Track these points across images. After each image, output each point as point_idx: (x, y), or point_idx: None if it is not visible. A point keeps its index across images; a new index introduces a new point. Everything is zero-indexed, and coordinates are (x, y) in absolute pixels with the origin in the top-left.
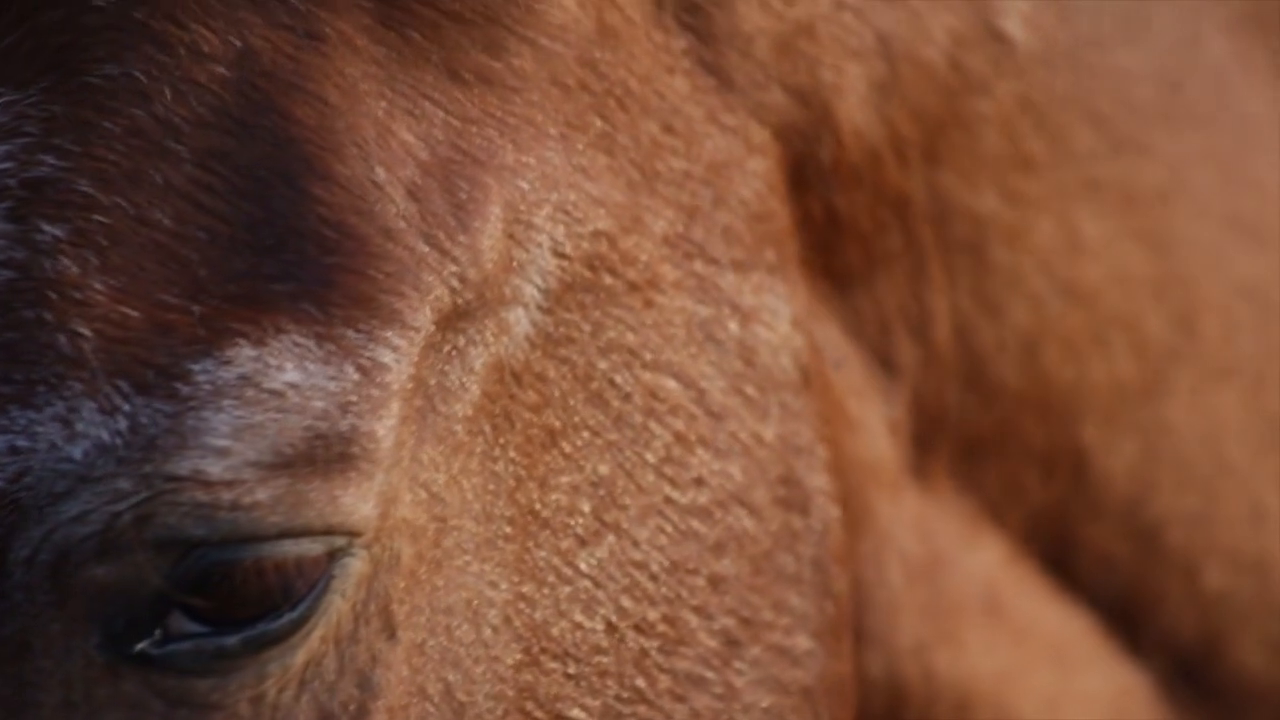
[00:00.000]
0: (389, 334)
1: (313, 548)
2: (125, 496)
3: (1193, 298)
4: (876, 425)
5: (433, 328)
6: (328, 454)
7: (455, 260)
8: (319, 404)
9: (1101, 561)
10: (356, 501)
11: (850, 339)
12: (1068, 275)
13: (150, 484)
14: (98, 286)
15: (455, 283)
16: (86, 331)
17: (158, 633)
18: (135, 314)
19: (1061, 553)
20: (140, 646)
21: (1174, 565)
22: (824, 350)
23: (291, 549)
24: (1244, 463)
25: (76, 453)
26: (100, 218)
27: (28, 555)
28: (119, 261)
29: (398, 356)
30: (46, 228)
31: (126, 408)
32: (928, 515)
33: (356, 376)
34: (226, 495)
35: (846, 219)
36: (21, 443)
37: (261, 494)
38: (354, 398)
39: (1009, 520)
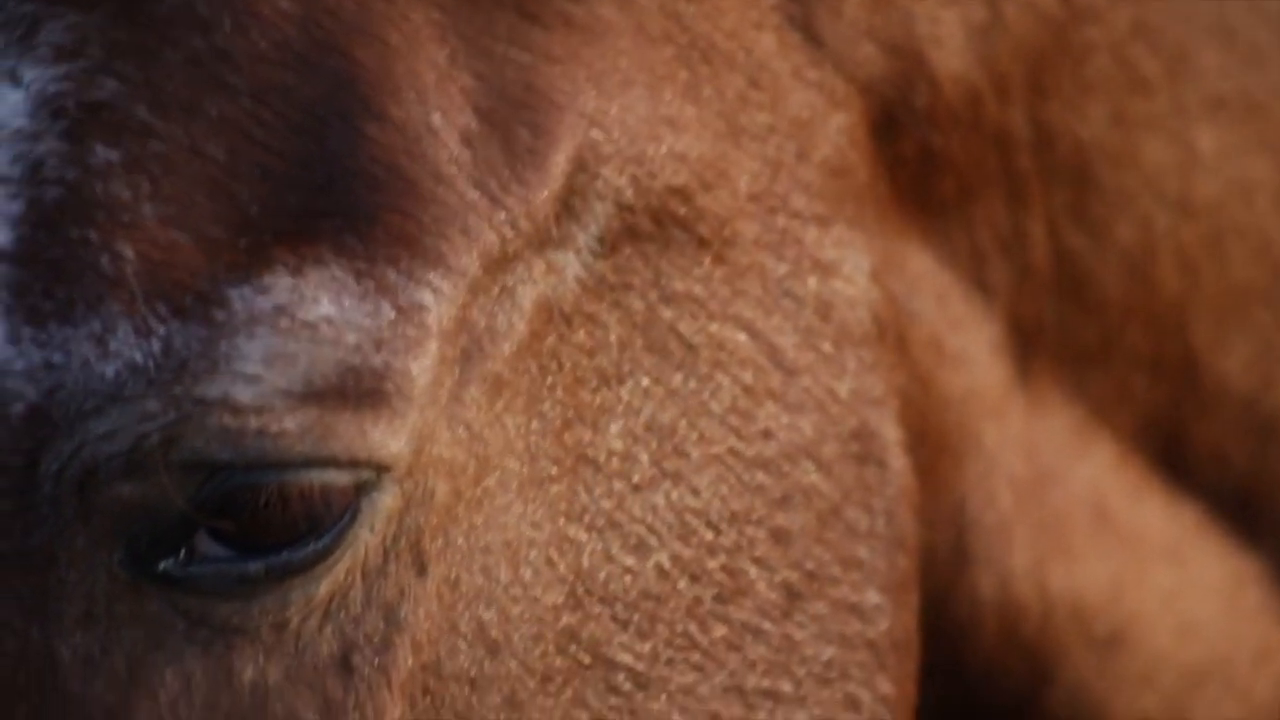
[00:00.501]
0: (431, 276)
1: (339, 479)
2: (153, 417)
3: None
4: (978, 352)
5: (479, 271)
6: (358, 388)
7: (507, 208)
8: (352, 338)
9: (1216, 456)
10: (386, 437)
11: (946, 269)
12: (1180, 191)
13: (179, 406)
14: (146, 212)
15: (506, 230)
16: (130, 254)
17: (182, 553)
18: (181, 241)
19: (1173, 450)
20: (164, 566)
21: None
22: (902, 299)
23: (317, 477)
24: None
25: (109, 371)
26: (156, 145)
27: (57, 469)
28: (170, 191)
29: (439, 298)
30: (101, 150)
31: (161, 330)
32: (1034, 432)
33: (393, 315)
34: (254, 422)
35: (941, 155)
36: (57, 358)
37: (289, 422)
38: (389, 335)
39: (1118, 422)
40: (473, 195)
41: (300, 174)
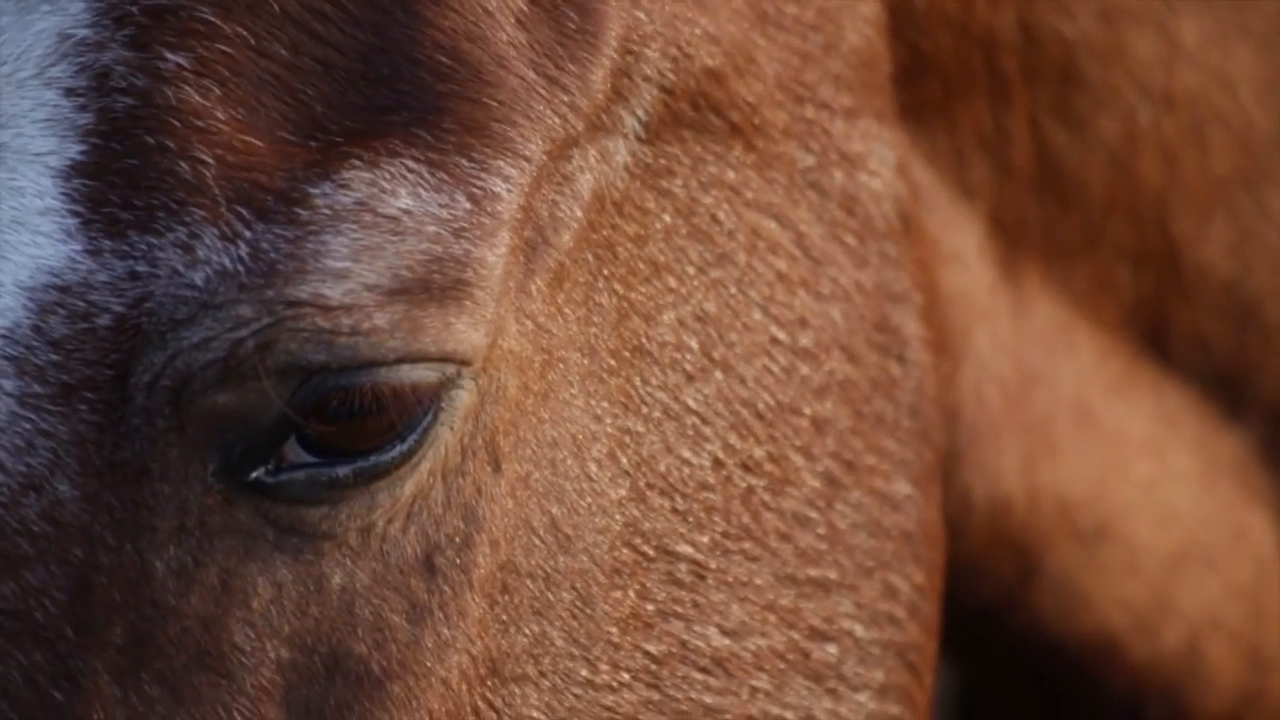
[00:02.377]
0: (500, 163)
1: (427, 375)
2: (247, 323)
3: None
4: (967, 253)
5: (544, 158)
6: (443, 279)
7: (565, 89)
8: (432, 229)
9: (1198, 340)
10: (469, 329)
11: (930, 170)
12: (1163, 84)
13: (272, 310)
14: (220, 116)
15: (566, 112)
16: (208, 158)
17: (272, 462)
18: (256, 142)
19: (1158, 336)
20: (255, 475)
21: (1274, 336)
22: (921, 193)
23: (408, 375)
24: None
25: (198, 279)
26: (222, 47)
27: (149, 381)
28: (239, 93)
29: (509, 186)
30: (169, 55)
31: (247, 234)
32: (1021, 333)
33: (468, 205)
34: (346, 320)
35: (930, 58)
36: (142, 268)
37: (380, 319)
38: (466, 224)
39: (1103, 314)
40: (532, 77)
41: (363, 68)
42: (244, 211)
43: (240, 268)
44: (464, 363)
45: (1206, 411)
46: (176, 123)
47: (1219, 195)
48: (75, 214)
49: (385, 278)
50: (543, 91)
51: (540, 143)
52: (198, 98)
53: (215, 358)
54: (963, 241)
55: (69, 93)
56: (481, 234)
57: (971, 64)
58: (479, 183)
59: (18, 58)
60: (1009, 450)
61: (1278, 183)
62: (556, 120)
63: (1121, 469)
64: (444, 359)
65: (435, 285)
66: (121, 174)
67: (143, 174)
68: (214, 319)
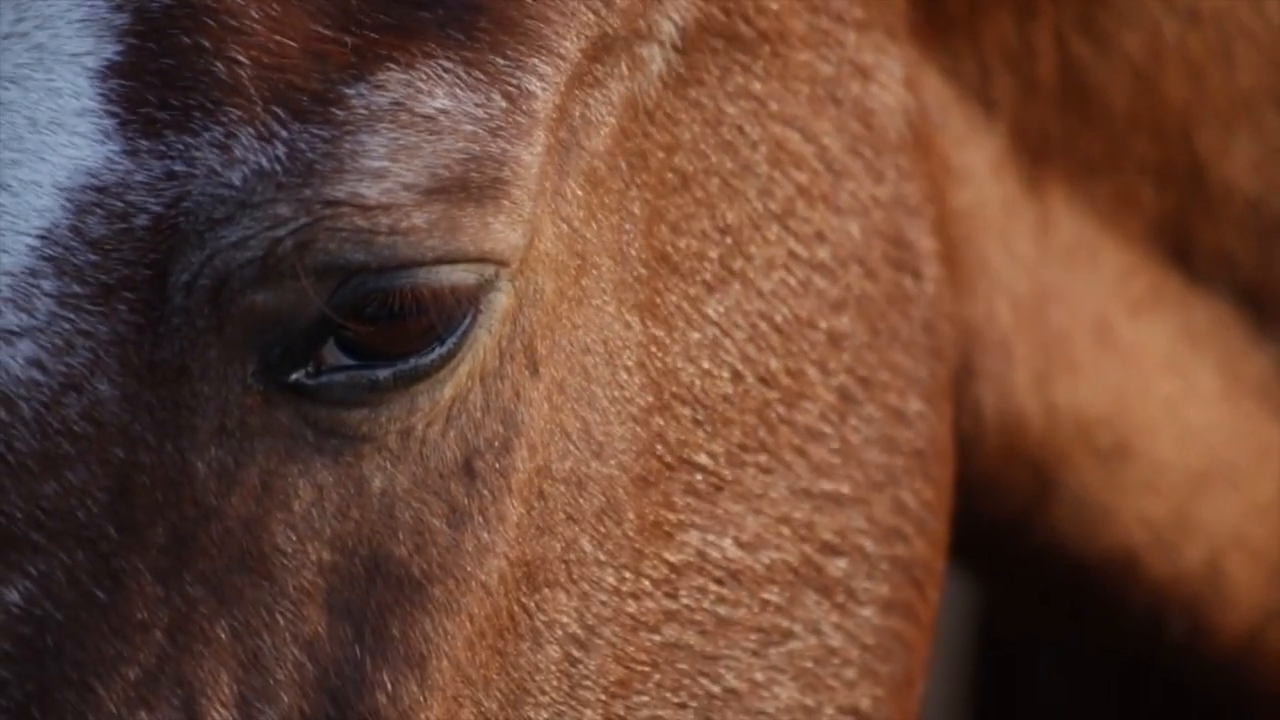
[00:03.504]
0: (535, 61)
1: (466, 276)
2: (285, 222)
3: None
4: (981, 169)
5: (579, 55)
6: (481, 178)
7: None
8: (469, 128)
9: (1224, 257)
10: (506, 229)
11: (950, 85)
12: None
13: (310, 209)
14: (254, 15)
15: (600, 7)
16: (244, 59)
17: (311, 364)
18: (290, 43)
19: (1183, 252)
20: (295, 377)
21: None
22: (930, 109)
23: (447, 276)
24: None
25: (235, 178)
26: None
27: (188, 280)
28: None
29: (544, 84)
30: None
31: (284, 134)
32: (1041, 249)
33: (504, 104)
34: (385, 220)
35: None
36: (179, 167)
37: (418, 218)
38: (503, 123)
39: (1127, 229)
40: None
41: None
42: (280, 112)
43: (278, 167)
44: (502, 263)
45: (1233, 329)
46: (212, 23)
47: (1244, 111)
48: (112, 114)
49: (423, 177)
50: None
51: (575, 40)
52: None
53: (253, 256)
54: (976, 157)
55: None
56: (518, 133)
57: None
58: (514, 81)
59: None
60: (1021, 366)
61: None
62: (591, 17)
63: (1143, 387)
64: (482, 259)
65: (473, 184)
66: (158, 74)
67: (179, 74)
68: (252, 218)
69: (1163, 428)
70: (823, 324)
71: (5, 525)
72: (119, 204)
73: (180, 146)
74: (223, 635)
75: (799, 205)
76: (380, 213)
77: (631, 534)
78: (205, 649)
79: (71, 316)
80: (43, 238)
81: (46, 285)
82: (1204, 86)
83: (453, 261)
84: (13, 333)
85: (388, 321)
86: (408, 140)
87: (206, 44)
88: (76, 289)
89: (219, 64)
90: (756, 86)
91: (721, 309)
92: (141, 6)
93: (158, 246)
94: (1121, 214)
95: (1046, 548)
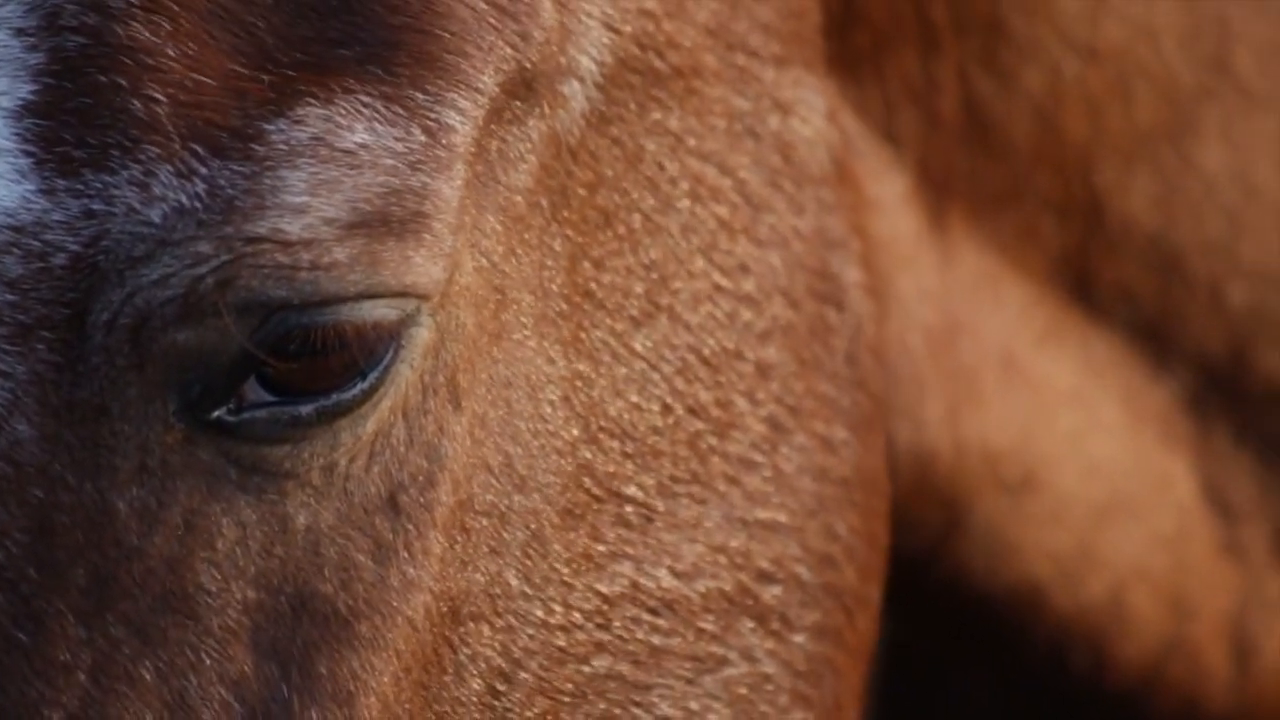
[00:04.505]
0: (454, 95)
1: (388, 312)
2: (206, 260)
3: (1226, 35)
4: (892, 202)
5: (496, 90)
6: (401, 212)
7: (515, 18)
8: (388, 162)
9: (1124, 292)
10: (427, 263)
11: (859, 119)
12: (1088, 38)
13: (230, 246)
14: (170, 53)
15: (518, 41)
16: (161, 96)
17: (233, 401)
18: (208, 80)
19: (1084, 286)
20: (217, 414)
21: (1197, 287)
22: (851, 141)
23: (369, 312)
24: (1275, 185)
25: (155, 215)
26: None
27: (108, 319)
28: (189, 28)
29: (463, 119)
30: None
31: (203, 170)
32: (947, 282)
33: (423, 138)
34: (306, 255)
35: (860, 9)
36: (97, 206)
37: (339, 253)
38: (422, 158)
39: (1029, 264)
40: (482, 6)
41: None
42: (199, 149)
43: (198, 204)
44: (423, 297)
45: (1133, 362)
46: (129, 61)
47: (1143, 147)
48: (28, 154)
49: (344, 211)
50: (493, 21)
51: (493, 74)
52: (148, 34)
53: (174, 294)
54: (889, 190)
55: (18, 33)
56: (437, 166)
57: (901, 15)
58: (433, 115)
59: None
60: (933, 400)
61: (1200, 134)
62: (509, 50)
63: (1048, 420)
64: (404, 293)
65: (393, 218)
66: (74, 113)
67: (96, 113)
68: (172, 256)
69: (1067, 460)
70: (750, 355)
71: None
72: (36, 243)
73: (98, 185)
74: (147, 676)
75: (721, 239)
76: (301, 248)
77: (559, 566)
78: (130, 690)
79: None
80: None
81: None
82: (1103, 123)
83: (374, 296)
84: None
85: (309, 357)
86: (328, 175)
87: (123, 82)
88: None
89: (136, 102)
90: (674, 122)
91: (649, 343)
92: (57, 46)
93: (76, 285)
94: (1024, 248)
95: (955, 581)
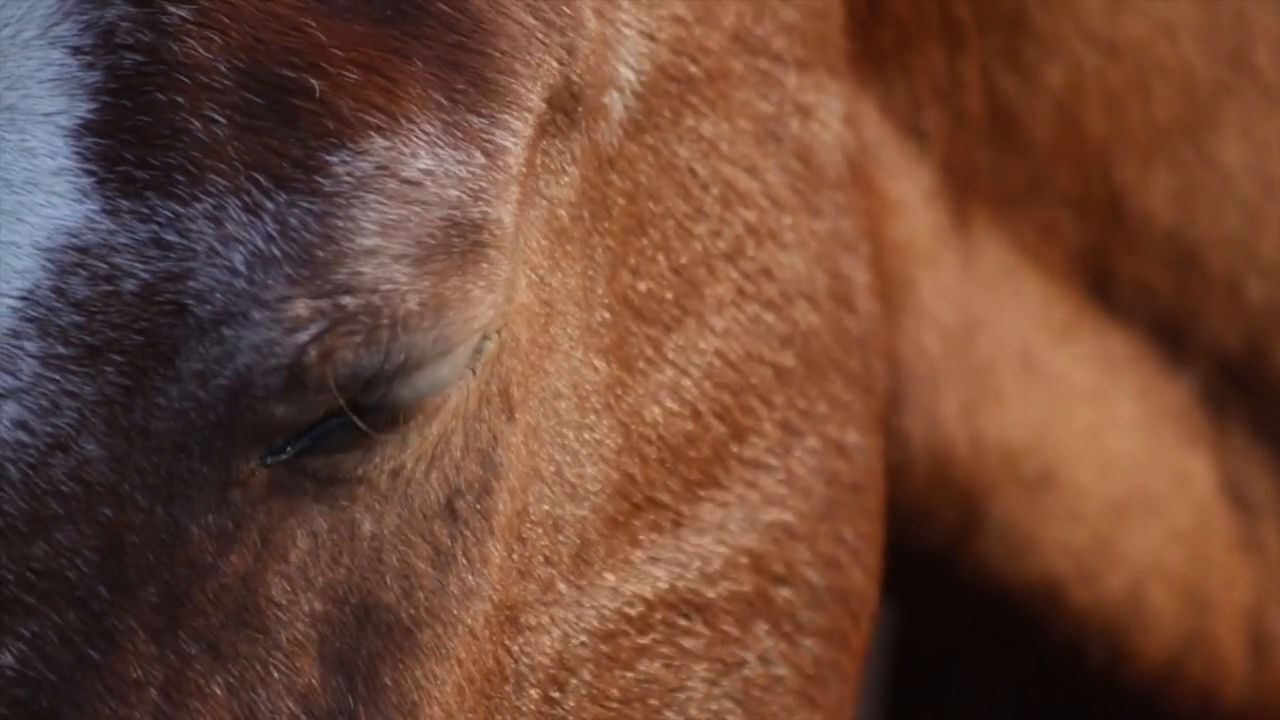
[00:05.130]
0: (506, 116)
1: (460, 360)
2: (305, 326)
3: (1245, 32)
4: (914, 200)
5: (543, 106)
6: (463, 244)
7: (561, 31)
8: (453, 192)
9: (1142, 288)
10: (486, 294)
11: (883, 117)
12: (1109, 33)
13: (324, 311)
14: (223, 69)
15: (563, 54)
16: (219, 117)
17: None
18: (260, 100)
19: (1103, 283)
20: (296, 445)
21: (1215, 283)
22: (869, 144)
23: (447, 373)
24: None
25: (238, 262)
26: None
27: (200, 370)
28: (240, 42)
29: (515, 139)
30: (172, 9)
31: (270, 206)
32: (967, 280)
33: (483, 161)
34: (386, 311)
35: (884, 6)
36: (171, 237)
37: (412, 301)
38: (483, 184)
39: (1048, 260)
40: (530, 21)
41: (366, 6)
42: (261, 178)
43: (275, 250)
44: (487, 328)
45: (1151, 358)
46: (186, 79)
47: (1161, 144)
48: (89, 173)
49: (411, 247)
50: (541, 36)
51: (540, 90)
52: (202, 51)
53: (279, 365)
54: (913, 188)
55: (75, 51)
56: (496, 191)
57: (926, 11)
58: (490, 137)
59: (20, 18)
60: (949, 396)
61: (1219, 131)
62: (555, 65)
63: (1065, 416)
64: (472, 335)
65: (456, 250)
66: (134, 132)
67: (156, 132)
68: (272, 320)
69: (1084, 456)
70: (770, 358)
71: None
72: (103, 265)
73: (167, 213)
74: (218, 691)
75: (748, 243)
76: (380, 300)
77: (605, 573)
78: (201, 705)
79: (56, 377)
80: (25, 299)
81: (30, 346)
82: (1123, 119)
83: (449, 350)
84: None
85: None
86: (396, 213)
87: (182, 101)
88: (61, 350)
89: (195, 122)
90: (706, 128)
91: (679, 349)
92: (113, 64)
93: (153, 317)
94: (1044, 245)
95: (973, 576)
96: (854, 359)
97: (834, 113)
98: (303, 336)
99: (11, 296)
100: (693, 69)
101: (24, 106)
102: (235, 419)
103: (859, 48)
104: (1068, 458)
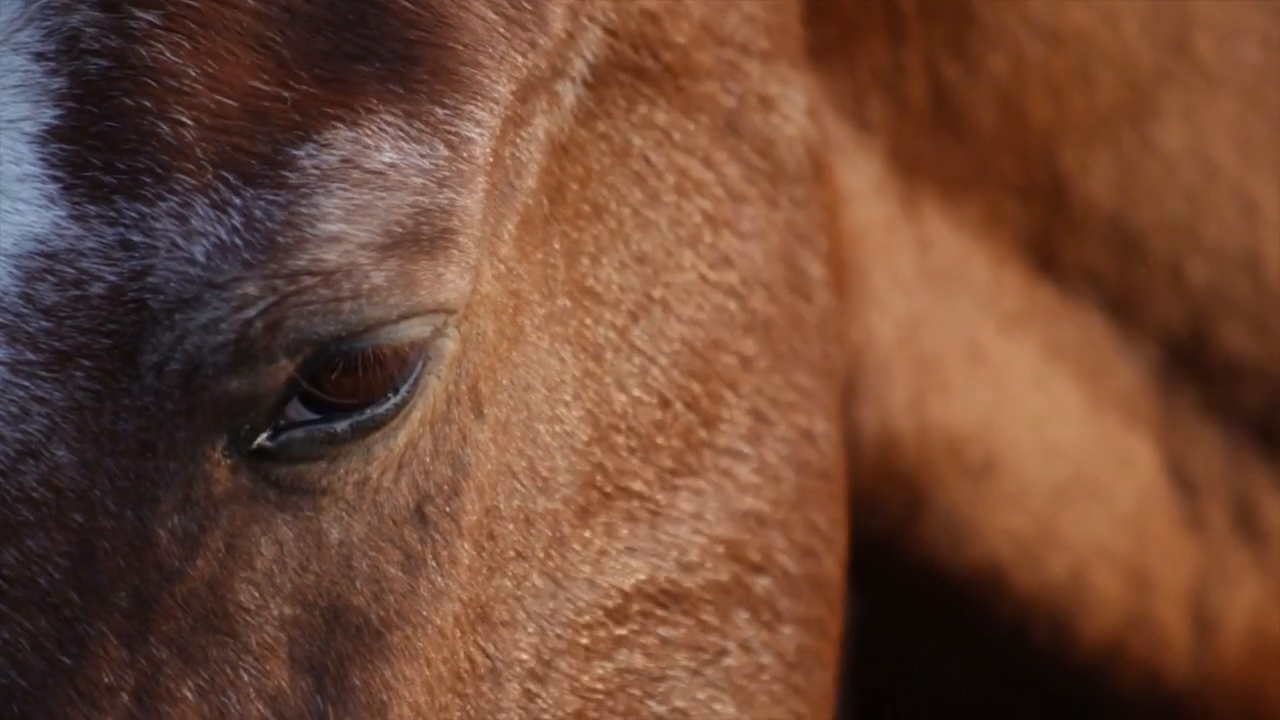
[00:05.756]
0: (471, 107)
1: (423, 330)
2: (253, 302)
3: (1185, 18)
4: (866, 191)
5: (510, 98)
6: (431, 230)
7: (524, 27)
8: (418, 180)
9: (1087, 272)
10: (456, 278)
11: (832, 109)
12: (1052, 22)
13: (274, 286)
14: (193, 73)
15: (528, 49)
16: (188, 120)
17: (272, 426)
18: (230, 102)
19: (1049, 268)
20: (258, 442)
21: (1158, 266)
22: (828, 135)
23: (407, 331)
24: (1234, 165)
25: (198, 253)
26: (189, 1)
27: (157, 361)
28: (209, 46)
29: (481, 130)
30: (139, 13)
31: (237, 201)
32: (920, 268)
33: (446, 152)
34: (347, 285)
35: (829, 1)
36: (136, 238)
37: (377, 278)
38: (447, 173)
39: (997, 247)
40: (492, 17)
41: (328, 14)
42: (230, 177)
43: (238, 240)
44: (452, 312)
45: (1100, 341)
46: (153, 83)
47: (1103, 130)
48: (55, 179)
49: (378, 235)
50: (503, 31)
51: (506, 83)
52: (170, 55)
53: (225, 340)
54: (862, 178)
55: (38, 57)
56: (461, 181)
57: (869, 3)
58: (454, 129)
59: None
60: (899, 387)
61: (1159, 116)
62: (519, 59)
63: (1010, 405)
64: (437, 310)
65: (424, 237)
66: (101, 137)
67: (123, 137)
68: (219, 299)
69: (1028, 444)
70: (733, 346)
71: None
72: (71, 270)
73: (133, 215)
74: (189, 695)
75: (706, 232)
76: (342, 277)
77: (580, 565)
78: (172, 709)
79: (25, 383)
80: None
81: None
82: (1066, 107)
83: (412, 316)
84: None
85: (352, 382)
86: (362, 199)
87: (149, 105)
88: (30, 356)
89: (163, 125)
90: (660, 117)
91: (646, 336)
92: (78, 70)
93: (119, 318)
94: (991, 231)
95: (917, 562)
96: (814, 348)
97: (796, 105)
98: (250, 312)
99: None
100: (650, 62)
101: None
102: (193, 403)
103: (811, 38)
104: (1011, 446)
